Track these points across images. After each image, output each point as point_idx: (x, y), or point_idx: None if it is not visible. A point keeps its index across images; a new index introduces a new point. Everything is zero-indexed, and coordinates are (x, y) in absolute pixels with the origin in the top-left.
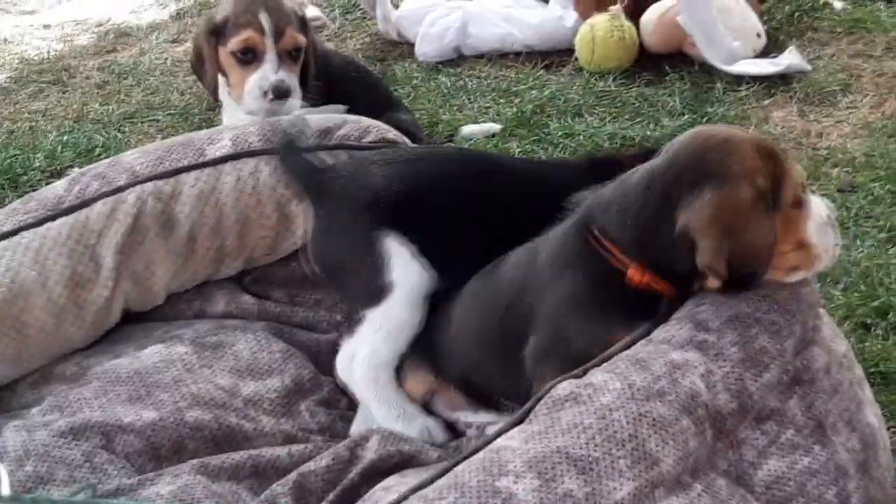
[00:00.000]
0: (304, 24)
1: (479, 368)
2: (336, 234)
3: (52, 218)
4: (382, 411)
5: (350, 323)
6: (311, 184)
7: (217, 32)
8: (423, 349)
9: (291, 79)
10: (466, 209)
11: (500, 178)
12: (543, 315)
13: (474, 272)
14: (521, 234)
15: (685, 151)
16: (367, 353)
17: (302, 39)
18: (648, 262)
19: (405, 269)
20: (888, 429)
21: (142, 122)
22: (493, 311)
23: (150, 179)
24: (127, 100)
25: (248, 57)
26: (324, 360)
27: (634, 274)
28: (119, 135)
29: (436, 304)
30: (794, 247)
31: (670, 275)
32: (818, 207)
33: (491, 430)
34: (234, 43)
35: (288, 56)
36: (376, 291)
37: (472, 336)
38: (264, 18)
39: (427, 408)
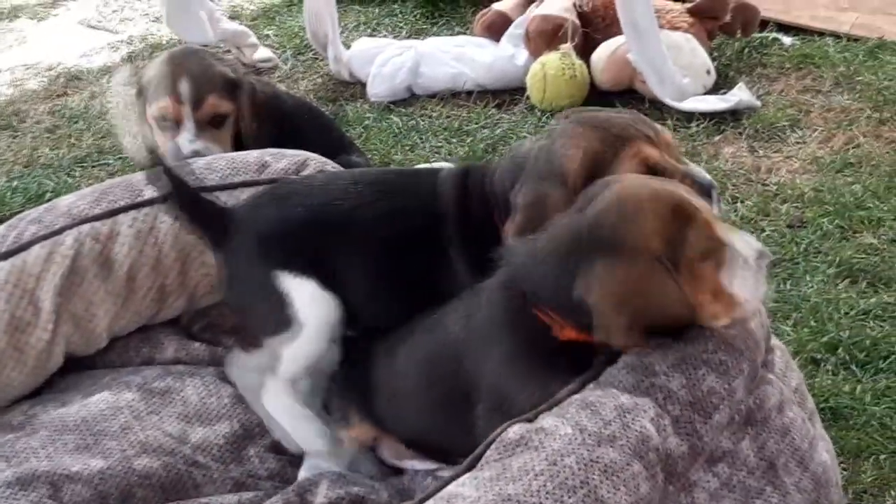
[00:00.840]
0: (233, 88)
1: (431, 430)
2: (237, 278)
3: None
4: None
5: (250, 344)
6: (208, 229)
7: (143, 93)
8: (365, 404)
9: (212, 147)
10: (359, 239)
11: (382, 198)
12: (486, 379)
13: (384, 308)
14: (413, 251)
15: (590, 215)
16: (264, 370)
17: (225, 107)
18: (573, 321)
19: (309, 302)
20: (839, 464)
21: (93, 167)
22: (438, 376)
23: (86, 221)
24: (78, 144)
25: (167, 124)
26: None
27: (560, 332)
28: (70, 179)
29: (369, 358)
30: (712, 297)
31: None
32: (741, 251)
33: (442, 474)
34: (153, 109)
35: (209, 124)
36: (282, 325)
37: (419, 400)
38: (184, 86)
39: (372, 453)
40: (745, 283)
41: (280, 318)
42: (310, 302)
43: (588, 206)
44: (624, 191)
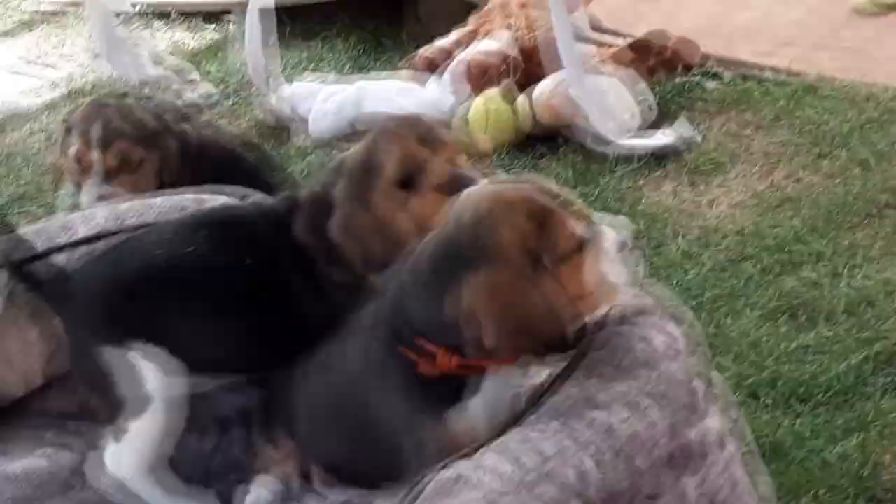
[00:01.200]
0: (150, 135)
1: (351, 459)
2: (79, 350)
3: None
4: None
5: (115, 429)
6: (43, 293)
7: (69, 133)
8: (289, 427)
9: (122, 194)
10: (211, 293)
11: (224, 247)
12: (392, 421)
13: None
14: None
15: (451, 234)
16: (136, 459)
17: (136, 154)
18: (454, 345)
19: (159, 379)
20: (778, 499)
21: (31, 204)
22: (347, 412)
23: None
24: (17, 182)
25: (80, 168)
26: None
27: (441, 361)
28: (7, 218)
29: (289, 382)
30: (583, 291)
31: (486, 352)
32: (604, 238)
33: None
34: (69, 154)
35: (119, 170)
36: (136, 405)
37: (336, 433)
38: (94, 131)
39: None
40: (614, 269)
41: (136, 399)
42: (161, 377)
43: (446, 225)
44: (479, 203)
